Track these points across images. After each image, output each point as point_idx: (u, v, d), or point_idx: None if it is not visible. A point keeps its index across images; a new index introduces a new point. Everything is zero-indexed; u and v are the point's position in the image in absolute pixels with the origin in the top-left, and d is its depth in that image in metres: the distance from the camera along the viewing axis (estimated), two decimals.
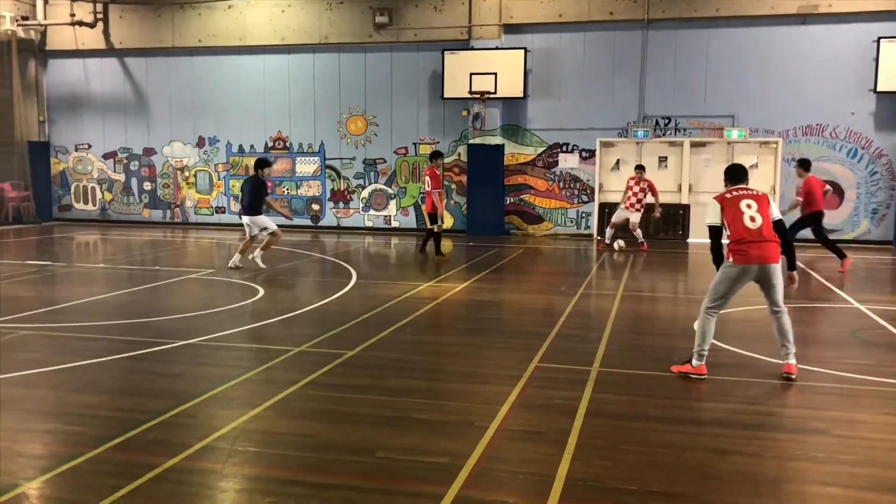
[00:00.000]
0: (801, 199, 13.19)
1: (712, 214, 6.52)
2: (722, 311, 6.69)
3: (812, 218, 13.08)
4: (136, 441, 4.76)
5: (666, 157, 18.11)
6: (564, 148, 18.57)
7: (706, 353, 6.35)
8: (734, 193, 6.47)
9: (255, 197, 12.26)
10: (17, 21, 20.31)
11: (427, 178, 13.85)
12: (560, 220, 18.77)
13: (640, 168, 15.55)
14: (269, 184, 18.92)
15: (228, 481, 4.23)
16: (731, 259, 6.33)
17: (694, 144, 17.87)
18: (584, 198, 18.61)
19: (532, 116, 18.60)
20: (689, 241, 17.79)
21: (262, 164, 12.47)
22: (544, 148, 18.64)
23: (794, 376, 6.23)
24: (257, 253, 12.46)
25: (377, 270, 13.18)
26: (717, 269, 6.58)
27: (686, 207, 17.88)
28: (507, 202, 18.86)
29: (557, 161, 18.63)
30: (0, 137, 21.15)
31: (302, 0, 19.36)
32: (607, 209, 18.27)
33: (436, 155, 14.26)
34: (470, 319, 8.95)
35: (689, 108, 17.76)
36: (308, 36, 19.43)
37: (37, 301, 9.58)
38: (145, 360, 6.75)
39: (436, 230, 14.13)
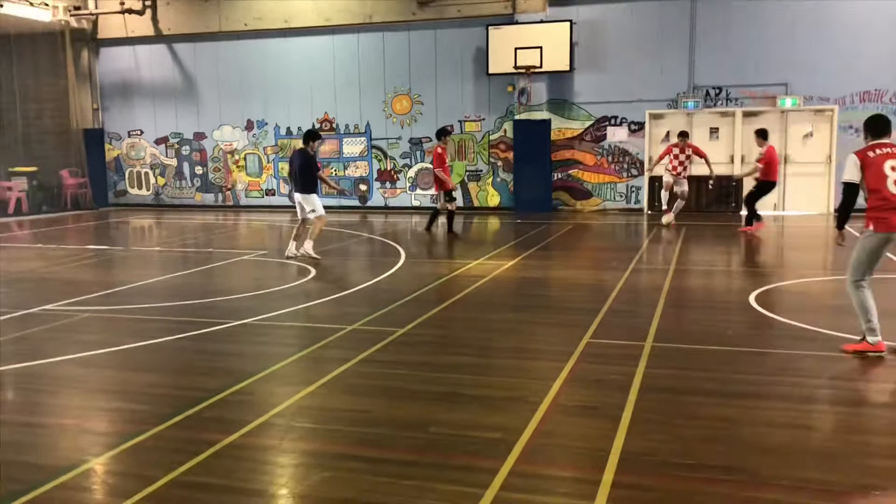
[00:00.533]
0: (761, 165, 13.94)
1: (851, 171, 5.88)
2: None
3: (766, 186, 14.00)
4: (195, 418, 4.88)
5: (717, 129, 17.75)
6: (613, 121, 18.31)
7: (876, 326, 5.87)
8: (878, 151, 5.81)
9: (306, 173, 11.27)
10: (69, 11, 20.73)
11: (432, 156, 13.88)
12: (609, 194, 18.56)
13: (683, 135, 15.20)
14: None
15: (286, 456, 4.31)
16: (871, 227, 5.79)
17: (746, 114, 17.46)
18: (634, 171, 18.35)
19: (579, 90, 18.36)
20: (741, 213, 17.40)
21: (312, 136, 11.55)
22: (592, 122, 18.41)
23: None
24: (308, 245, 11.16)
25: (425, 249, 13.22)
26: (840, 230, 6.13)
27: (739, 179, 17.49)
28: (555, 178, 18.70)
29: (606, 135, 18.38)
30: (57, 126, 21.72)
31: None
32: (657, 182, 18.01)
33: (442, 133, 14.12)
34: (519, 296, 8.93)
35: (741, 77, 17.33)
36: (352, 16, 19.45)
37: (96, 284, 9.85)
38: (202, 340, 6.90)
39: (450, 208, 14.17)
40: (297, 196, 11.43)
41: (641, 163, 18.19)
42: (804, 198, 17.36)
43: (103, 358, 6.39)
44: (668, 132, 18.00)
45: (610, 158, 18.44)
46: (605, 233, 15.07)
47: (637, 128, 18.14)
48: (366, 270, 11.02)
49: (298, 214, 11.56)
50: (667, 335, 6.75)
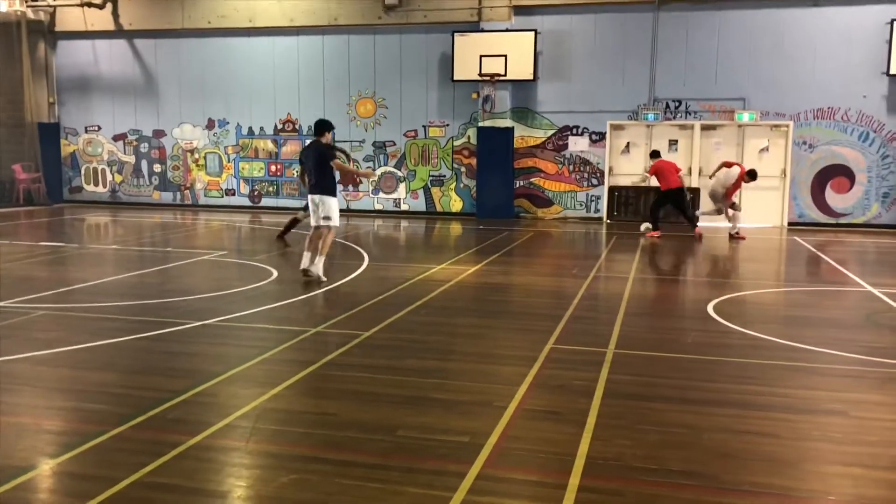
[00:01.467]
0: (649, 175, 15.81)
1: None
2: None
3: (670, 194, 15.20)
4: (158, 419, 4.81)
5: (676, 141, 18.06)
6: (574, 131, 18.52)
7: None
8: None
9: (325, 169, 9.72)
10: (25, 2, 20.28)
11: None
12: (570, 203, 18.75)
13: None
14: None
15: (251, 458, 4.27)
16: None
17: (704, 127, 17.81)
18: (594, 181, 18.57)
19: (542, 99, 18.54)
20: (698, 224, 17.71)
21: (326, 126, 9.94)
22: (554, 131, 18.59)
23: None
24: (319, 264, 9.76)
25: (388, 253, 13.20)
26: None
27: (696, 191, 17.81)
28: (517, 185, 18.83)
29: (567, 144, 18.58)
30: (10, 119, 21.22)
31: None
32: (616, 192, 18.28)
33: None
34: (483, 301, 8.97)
35: (700, 90, 17.68)
36: (317, 17, 19.37)
37: (51, 282, 9.65)
38: (162, 341, 6.80)
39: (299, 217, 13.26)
40: (314, 198, 9.87)
41: (602, 172, 18.42)
42: (760, 211, 17.74)
43: (60, 356, 6.26)
44: (628, 143, 18.28)
45: (571, 167, 18.64)
46: (567, 240, 15.23)
47: (598, 138, 18.37)
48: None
49: (312, 221, 10.00)
50: (628, 342, 6.85)
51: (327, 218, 9.81)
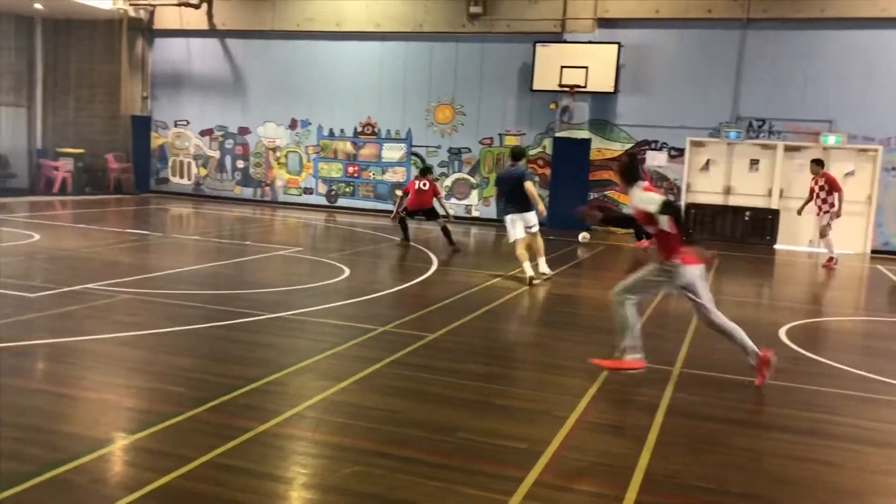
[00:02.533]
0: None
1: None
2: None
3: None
4: (230, 405, 5.03)
5: (758, 160, 17.66)
6: (653, 145, 18.32)
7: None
8: None
9: (521, 192, 10.56)
10: (128, 0, 21.22)
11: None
12: None
13: (817, 163, 14.36)
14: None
15: (317, 448, 4.44)
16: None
17: (788, 148, 17.37)
18: (671, 197, 18.30)
19: (621, 112, 18.40)
20: (776, 246, 17.32)
21: (522, 154, 11.42)
22: (632, 144, 18.42)
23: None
24: (542, 263, 10.90)
25: (458, 258, 13.33)
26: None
27: (775, 213, 17.40)
28: (591, 197, 18.73)
29: (645, 158, 18.38)
30: (107, 111, 22.21)
31: None
32: (693, 209, 18.00)
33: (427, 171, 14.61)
34: (550, 312, 9.00)
35: (785, 111, 17.25)
36: (402, 24, 19.69)
37: (134, 268, 10.10)
38: (238, 330, 7.07)
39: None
40: (514, 216, 10.67)
41: (679, 188, 18.16)
42: (843, 237, 17.16)
43: (141, 339, 6.59)
44: (707, 160, 17.98)
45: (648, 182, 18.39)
46: (638, 256, 15.07)
47: (677, 153, 18.13)
48: (398, 274, 11.17)
49: (514, 236, 10.66)
50: (695, 362, 6.79)
51: (530, 227, 10.73)
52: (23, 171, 21.52)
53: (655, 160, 18.32)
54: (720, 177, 17.94)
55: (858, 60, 16.73)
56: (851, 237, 17.17)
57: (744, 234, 17.65)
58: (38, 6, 20.45)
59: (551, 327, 8.09)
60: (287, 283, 9.55)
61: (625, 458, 4.45)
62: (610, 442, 4.75)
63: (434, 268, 11.44)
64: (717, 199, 17.97)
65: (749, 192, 17.73)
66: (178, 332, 6.86)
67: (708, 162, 18.01)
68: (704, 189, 18.06)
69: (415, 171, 19.98)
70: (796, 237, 17.42)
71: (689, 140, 17.94)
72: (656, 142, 18.27)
